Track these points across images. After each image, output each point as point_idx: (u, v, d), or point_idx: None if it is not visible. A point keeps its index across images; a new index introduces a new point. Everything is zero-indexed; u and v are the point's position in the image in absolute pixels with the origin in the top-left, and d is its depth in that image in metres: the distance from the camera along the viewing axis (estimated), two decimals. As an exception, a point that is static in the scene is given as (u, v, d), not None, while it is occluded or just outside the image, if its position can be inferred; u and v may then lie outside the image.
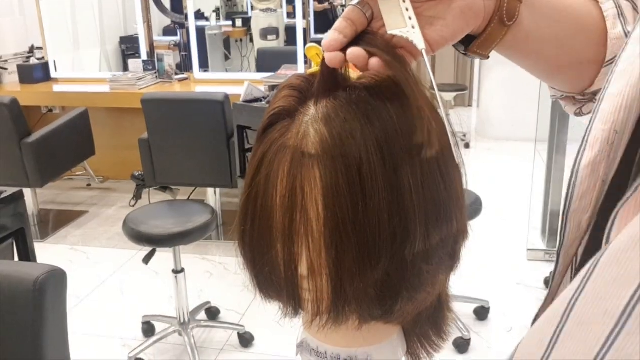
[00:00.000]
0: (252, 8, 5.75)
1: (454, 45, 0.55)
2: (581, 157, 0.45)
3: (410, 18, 0.48)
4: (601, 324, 0.32)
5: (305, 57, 3.76)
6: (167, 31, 5.97)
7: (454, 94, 5.18)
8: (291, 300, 0.51)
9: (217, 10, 5.93)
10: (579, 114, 0.63)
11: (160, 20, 5.74)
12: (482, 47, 0.54)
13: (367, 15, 0.49)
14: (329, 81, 0.49)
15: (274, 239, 0.48)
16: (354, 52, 0.47)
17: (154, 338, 2.43)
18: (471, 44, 0.54)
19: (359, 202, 0.45)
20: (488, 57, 0.56)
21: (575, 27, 0.56)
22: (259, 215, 0.49)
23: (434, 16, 0.50)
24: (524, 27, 0.53)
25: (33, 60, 4.28)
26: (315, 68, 0.52)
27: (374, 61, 0.47)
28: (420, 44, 0.48)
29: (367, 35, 0.49)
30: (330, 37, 0.48)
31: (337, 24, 0.49)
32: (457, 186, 0.51)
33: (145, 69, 4.08)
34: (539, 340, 0.38)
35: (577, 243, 0.46)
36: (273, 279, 0.50)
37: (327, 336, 0.54)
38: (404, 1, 0.48)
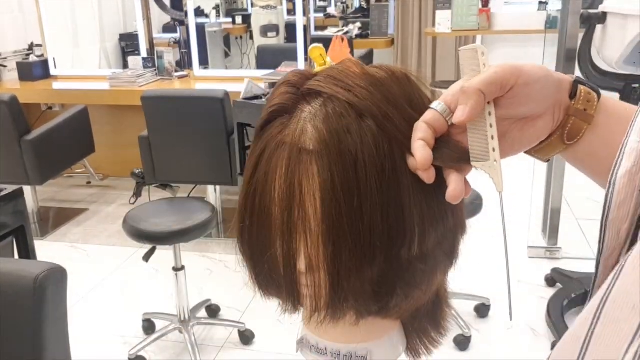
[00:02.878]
0: (252, 5, 5.74)
1: None
2: (618, 167, 0.45)
3: (494, 149, 0.46)
4: (630, 319, 0.32)
5: (306, 54, 3.75)
6: (167, 28, 5.96)
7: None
8: (290, 296, 0.51)
9: (217, 8, 5.92)
10: None
11: (159, 18, 5.73)
12: (540, 153, 0.54)
13: (448, 121, 0.48)
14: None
15: (272, 235, 0.49)
16: (426, 175, 0.46)
17: (155, 336, 2.43)
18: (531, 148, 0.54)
19: (355, 198, 0.45)
20: (548, 160, 0.55)
21: None
22: (258, 212, 0.49)
23: (506, 133, 0.50)
24: (588, 145, 0.52)
25: (32, 58, 4.27)
26: (318, 68, 0.52)
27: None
28: (499, 185, 0.48)
29: (442, 142, 0.48)
30: (421, 152, 0.46)
31: (421, 132, 0.47)
32: None
33: (145, 67, 4.07)
34: (573, 342, 0.39)
35: (617, 253, 0.46)
36: (272, 275, 0.51)
37: (326, 332, 0.54)
38: (490, 126, 0.47)
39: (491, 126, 0.47)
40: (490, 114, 0.47)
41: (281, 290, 0.51)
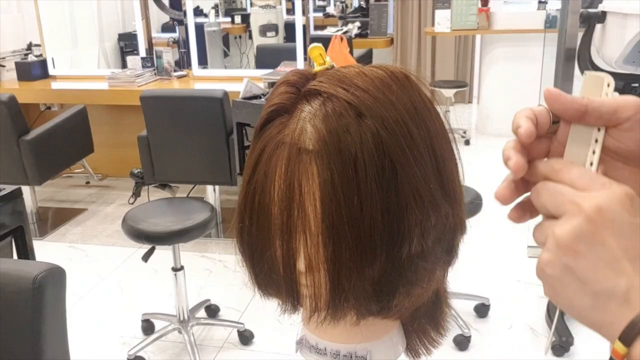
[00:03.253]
0: (251, 5, 5.74)
1: None
2: None
3: (591, 164, 0.42)
4: None
5: (305, 54, 3.75)
6: (166, 28, 5.95)
7: (454, 90, 5.18)
8: (289, 296, 0.51)
9: (215, 7, 5.92)
10: None
11: (158, 17, 5.73)
12: None
13: (552, 124, 0.43)
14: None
15: (272, 235, 0.49)
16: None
17: (154, 336, 2.43)
18: None
19: (355, 197, 0.45)
20: None
21: None
22: (257, 212, 0.49)
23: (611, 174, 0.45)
24: None
25: (31, 58, 4.27)
26: (318, 68, 0.51)
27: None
28: None
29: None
30: (527, 127, 0.41)
31: (523, 110, 0.43)
32: (455, 180, 0.51)
33: (143, 66, 4.07)
34: None
35: None
36: (271, 275, 0.51)
37: (326, 332, 0.54)
38: (596, 141, 0.42)
39: (597, 141, 0.42)
40: (597, 140, 0.42)
41: (281, 291, 0.51)
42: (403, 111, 0.48)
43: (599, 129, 0.42)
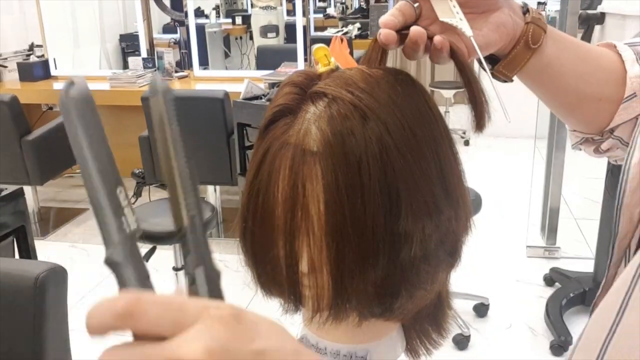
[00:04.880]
0: (252, 5, 5.75)
1: (480, 65, 0.59)
2: (631, 157, 0.50)
3: (457, 13, 0.54)
4: None
5: (305, 54, 3.76)
6: (167, 29, 5.96)
7: (454, 91, 5.18)
8: (292, 296, 0.51)
9: (216, 8, 5.93)
10: (597, 151, 0.66)
11: (160, 18, 5.74)
12: (507, 68, 0.58)
13: (416, 11, 0.54)
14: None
15: (275, 236, 0.49)
16: (417, 30, 0.52)
17: (155, 335, 2.44)
18: (497, 64, 0.58)
19: (359, 200, 0.45)
20: (512, 80, 0.60)
21: (594, 65, 0.60)
22: (261, 212, 0.49)
23: (472, 27, 0.55)
24: (547, 55, 0.58)
25: (33, 58, 4.27)
26: (323, 68, 0.52)
27: (439, 39, 0.52)
28: (468, 30, 0.53)
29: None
30: (387, 17, 0.53)
31: (390, 12, 0.54)
32: (459, 184, 0.51)
33: (145, 67, 4.08)
34: (602, 323, 0.41)
35: (630, 235, 0.50)
36: (274, 275, 0.51)
37: (327, 332, 0.54)
38: (451, 0, 0.54)
39: (454, 6, 0.54)
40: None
41: (283, 291, 0.51)
42: (408, 115, 0.48)
43: None
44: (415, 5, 0.54)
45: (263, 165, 0.49)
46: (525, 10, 0.58)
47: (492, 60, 0.59)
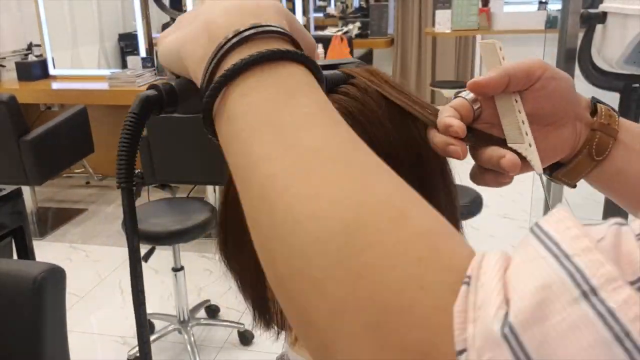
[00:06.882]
0: (251, 5, 5.73)
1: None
2: None
3: (526, 133, 0.46)
4: None
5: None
6: (166, 28, 5.94)
7: (454, 90, 5.17)
8: (258, 311, 0.51)
9: (216, 7, 5.91)
10: None
11: (159, 17, 5.72)
12: (568, 177, 0.52)
13: (475, 112, 0.48)
14: None
15: (245, 249, 0.47)
16: (514, 161, 0.45)
17: (154, 336, 2.43)
18: (557, 171, 0.52)
19: None
20: (575, 186, 0.54)
21: None
22: (232, 223, 0.48)
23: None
24: (616, 163, 0.51)
25: (31, 58, 4.26)
26: None
27: (514, 161, 0.45)
28: (537, 167, 0.47)
29: (470, 128, 0.46)
30: (457, 122, 0.45)
31: (449, 112, 0.46)
32: (439, 191, 0.50)
33: (144, 66, 4.07)
34: None
35: None
36: (245, 287, 0.50)
37: (305, 351, 0.53)
38: (519, 112, 0.46)
39: (520, 112, 0.46)
40: (517, 101, 0.47)
41: (254, 305, 0.52)
42: (384, 127, 0.46)
43: (515, 100, 0.47)
44: (475, 107, 0.47)
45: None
46: (593, 109, 0.51)
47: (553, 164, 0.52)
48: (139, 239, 0.42)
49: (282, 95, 0.33)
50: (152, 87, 0.41)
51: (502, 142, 0.47)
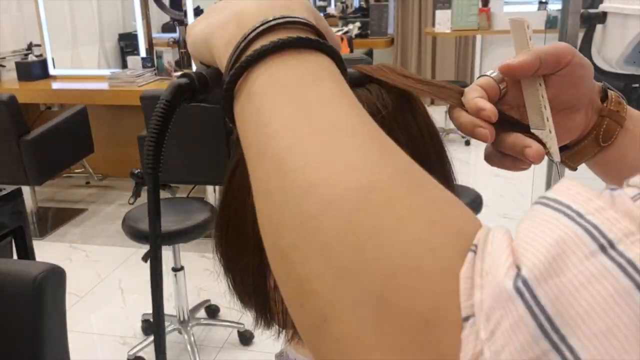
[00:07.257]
0: (251, 5, 5.73)
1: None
2: None
3: (547, 119, 0.46)
4: None
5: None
6: (166, 28, 5.95)
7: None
8: (260, 310, 0.51)
9: (216, 7, 5.91)
10: None
11: (159, 17, 5.72)
12: (571, 159, 0.53)
13: (501, 90, 0.48)
14: None
15: (246, 248, 0.47)
16: (539, 150, 0.46)
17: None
18: (561, 153, 0.52)
19: None
20: (576, 169, 0.54)
21: None
22: (233, 222, 0.48)
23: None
24: (619, 149, 0.51)
25: (31, 57, 4.26)
26: None
27: (539, 151, 0.46)
28: (555, 154, 0.47)
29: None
30: (489, 105, 0.44)
31: (477, 92, 0.46)
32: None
33: (144, 66, 4.07)
34: None
35: None
36: (244, 287, 0.50)
37: (303, 347, 0.53)
38: (542, 97, 0.47)
39: (543, 97, 0.46)
40: (540, 85, 0.47)
41: (252, 304, 0.51)
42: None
43: (540, 84, 0.47)
44: (502, 87, 0.48)
45: (236, 173, 0.48)
46: (604, 95, 0.51)
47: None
48: (160, 227, 0.41)
49: (308, 77, 0.34)
50: (184, 75, 0.41)
51: (526, 128, 0.47)
